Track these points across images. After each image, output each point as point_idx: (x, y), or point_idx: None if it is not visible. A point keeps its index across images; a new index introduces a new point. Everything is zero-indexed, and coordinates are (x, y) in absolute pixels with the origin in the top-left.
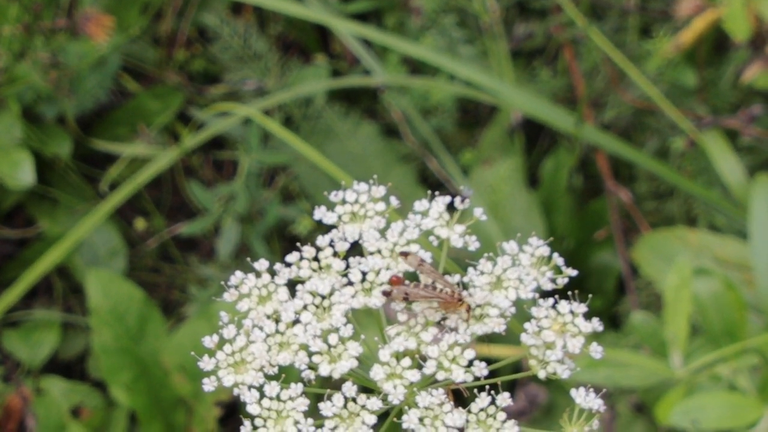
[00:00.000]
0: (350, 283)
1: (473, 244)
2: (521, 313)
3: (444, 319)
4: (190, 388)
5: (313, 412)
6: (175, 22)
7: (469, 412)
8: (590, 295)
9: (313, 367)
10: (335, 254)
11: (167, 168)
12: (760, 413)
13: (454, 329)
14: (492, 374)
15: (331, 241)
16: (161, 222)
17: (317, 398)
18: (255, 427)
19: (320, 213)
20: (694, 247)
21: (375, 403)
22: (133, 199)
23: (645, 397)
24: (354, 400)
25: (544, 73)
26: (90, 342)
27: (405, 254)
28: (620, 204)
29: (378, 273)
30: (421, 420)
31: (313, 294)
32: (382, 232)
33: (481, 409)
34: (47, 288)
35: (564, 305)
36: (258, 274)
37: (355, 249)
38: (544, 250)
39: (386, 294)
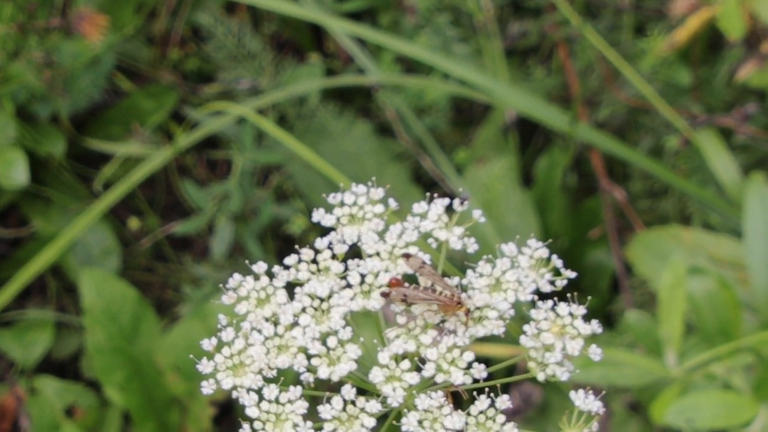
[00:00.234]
0: (349, 286)
1: (472, 246)
2: (519, 314)
3: (443, 321)
4: (184, 388)
5: (312, 415)
6: (169, 21)
7: (469, 414)
8: (589, 297)
9: (312, 369)
10: (334, 257)
11: (161, 167)
12: (754, 412)
13: (453, 332)
14: (490, 376)
15: (330, 243)
16: (155, 221)
17: (316, 401)
18: (254, 430)
19: (318, 215)
20: (689, 245)
21: (374, 405)
22: (127, 198)
23: (640, 395)
24: (353, 402)
25: (539, 72)
26: (84, 341)
27: (407, 256)
28: (614, 203)
29: (377, 275)
30: (420, 422)
31: (312, 296)
32: (381, 235)
33: (481, 412)
34: (41, 287)
35: (563, 307)
36: (256, 277)
37: (354, 251)
38: (543, 252)
39: (384, 296)
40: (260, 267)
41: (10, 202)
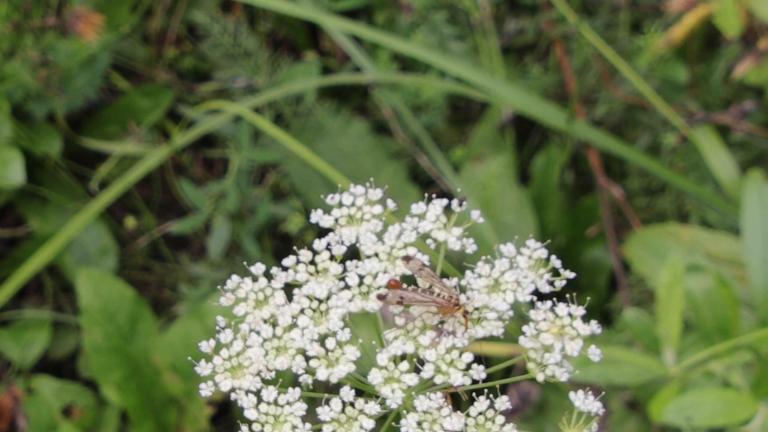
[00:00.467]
0: (347, 287)
1: (470, 247)
2: (518, 314)
3: (442, 322)
4: (181, 387)
5: (311, 417)
6: (164, 20)
7: (468, 415)
8: (588, 298)
9: (310, 371)
10: (332, 258)
11: (157, 166)
12: (754, 410)
13: (452, 333)
14: (489, 377)
15: (328, 244)
16: (151, 220)
17: (315, 402)
18: None
19: (317, 216)
20: (686, 243)
21: (373, 407)
22: (124, 197)
23: (638, 394)
24: (352, 404)
25: (535, 70)
26: (81, 341)
27: (407, 258)
28: (612, 200)
29: (375, 276)
30: (419, 424)
31: (310, 298)
32: (380, 236)
33: (480, 413)
34: (38, 287)
35: (562, 308)
36: (254, 278)
37: (352, 252)
38: (542, 253)
39: (381, 298)
40: (258, 268)
41: (7, 202)
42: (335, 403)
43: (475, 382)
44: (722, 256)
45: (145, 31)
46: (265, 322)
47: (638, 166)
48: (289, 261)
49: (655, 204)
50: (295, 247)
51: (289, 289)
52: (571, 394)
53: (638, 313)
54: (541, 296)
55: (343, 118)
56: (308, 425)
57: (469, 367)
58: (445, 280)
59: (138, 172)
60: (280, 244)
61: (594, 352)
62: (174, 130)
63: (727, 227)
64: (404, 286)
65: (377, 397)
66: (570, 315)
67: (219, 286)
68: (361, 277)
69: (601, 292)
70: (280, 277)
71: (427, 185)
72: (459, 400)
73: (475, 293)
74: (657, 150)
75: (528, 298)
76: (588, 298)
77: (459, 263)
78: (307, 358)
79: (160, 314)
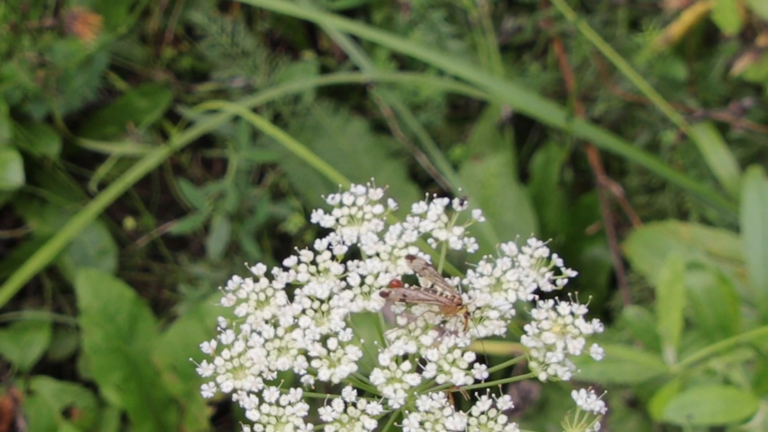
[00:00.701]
0: (349, 287)
1: (472, 246)
2: (520, 313)
3: (444, 322)
4: (181, 388)
5: (312, 417)
6: (162, 20)
7: (470, 415)
8: (590, 297)
9: (312, 371)
10: (333, 258)
11: (156, 167)
12: (755, 407)
13: (454, 332)
14: (491, 376)
15: (329, 244)
16: (151, 221)
17: (317, 403)
18: None
19: (318, 216)
20: (686, 240)
21: (375, 407)
22: (122, 198)
23: (639, 392)
24: (354, 404)
25: (534, 68)
26: (80, 342)
27: (411, 258)
28: (611, 198)
29: (377, 276)
30: (421, 424)
31: (312, 298)
32: (381, 235)
33: (482, 412)
34: (37, 288)
35: (564, 306)
36: (255, 279)
37: (354, 252)
38: (543, 251)
39: (384, 295)
40: (259, 269)
41: (6, 203)
42: (337, 403)
43: (477, 381)
44: (722, 253)
45: (142, 31)
46: (267, 322)
47: (638, 163)
48: (290, 261)
49: (654, 201)
50: (296, 247)
51: (290, 289)
52: (574, 393)
53: (639, 311)
54: (543, 295)
55: (341, 118)
56: (310, 426)
57: (471, 366)
58: (447, 279)
59: (137, 173)
60: (279, 244)
61: (596, 351)
62: (172, 130)
63: (727, 224)
64: (406, 285)
65: (379, 397)
66: (572, 314)
67: (219, 287)
68: (363, 277)
69: (601, 290)
70: (282, 278)
71: (426, 184)
72: (461, 400)
73: (477, 292)
74: (656, 147)
75: (530, 296)
76: (590, 297)
77: (460, 263)
78: (309, 359)
79: (160, 315)
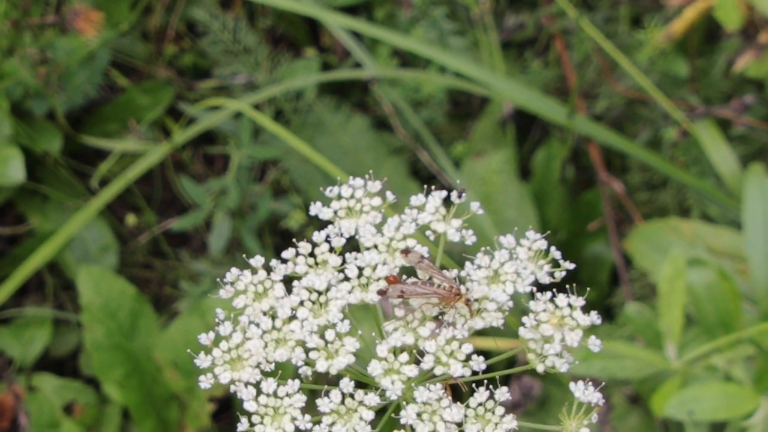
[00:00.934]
0: (347, 279)
1: (470, 239)
2: (519, 306)
3: (441, 314)
4: (183, 384)
5: (310, 408)
6: (164, 17)
7: (468, 407)
8: (588, 289)
9: (310, 363)
10: (331, 250)
11: (158, 163)
12: (756, 404)
13: (452, 324)
14: (490, 368)
15: (327, 236)
16: (152, 217)
17: (314, 394)
18: (252, 424)
19: (316, 208)
20: (688, 237)
21: (373, 398)
22: (124, 194)
23: (640, 388)
24: (352, 395)
25: (535, 64)
26: (82, 339)
27: (406, 252)
28: (613, 195)
29: (375, 268)
30: (419, 415)
31: (310, 290)
32: (379, 227)
33: (480, 404)
34: (39, 285)
35: (562, 298)
36: (254, 271)
37: (352, 244)
38: (542, 244)
39: (381, 293)
40: (258, 261)
41: (7, 200)
42: (335, 394)
43: (474, 373)
44: (724, 250)
45: (144, 28)
46: (265, 314)
47: (639, 160)
48: (288, 253)
49: (656, 198)
50: (294, 240)
51: (288, 281)
52: (571, 385)
53: (640, 308)
54: (541, 288)
55: (343, 114)
56: (308, 417)
57: (468, 358)
58: (444, 271)
59: (138, 170)
60: (280, 241)
61: (594, 343)
62: (174, 127)
63: (728, 221)
64: (404, 278)
65: (377, 388)
66: (570, 306)
67: (220, 280)
68: (361, 269)
69: (602, 287)
70: (280, 270)
71: (427, 181)
72: (459, 392)
73: (474, 284)
74: (658, 144)
75: (528, 288)
76: (588, 290)
77: (460, 259)
78: (307, 350)
79: (161, 311)
